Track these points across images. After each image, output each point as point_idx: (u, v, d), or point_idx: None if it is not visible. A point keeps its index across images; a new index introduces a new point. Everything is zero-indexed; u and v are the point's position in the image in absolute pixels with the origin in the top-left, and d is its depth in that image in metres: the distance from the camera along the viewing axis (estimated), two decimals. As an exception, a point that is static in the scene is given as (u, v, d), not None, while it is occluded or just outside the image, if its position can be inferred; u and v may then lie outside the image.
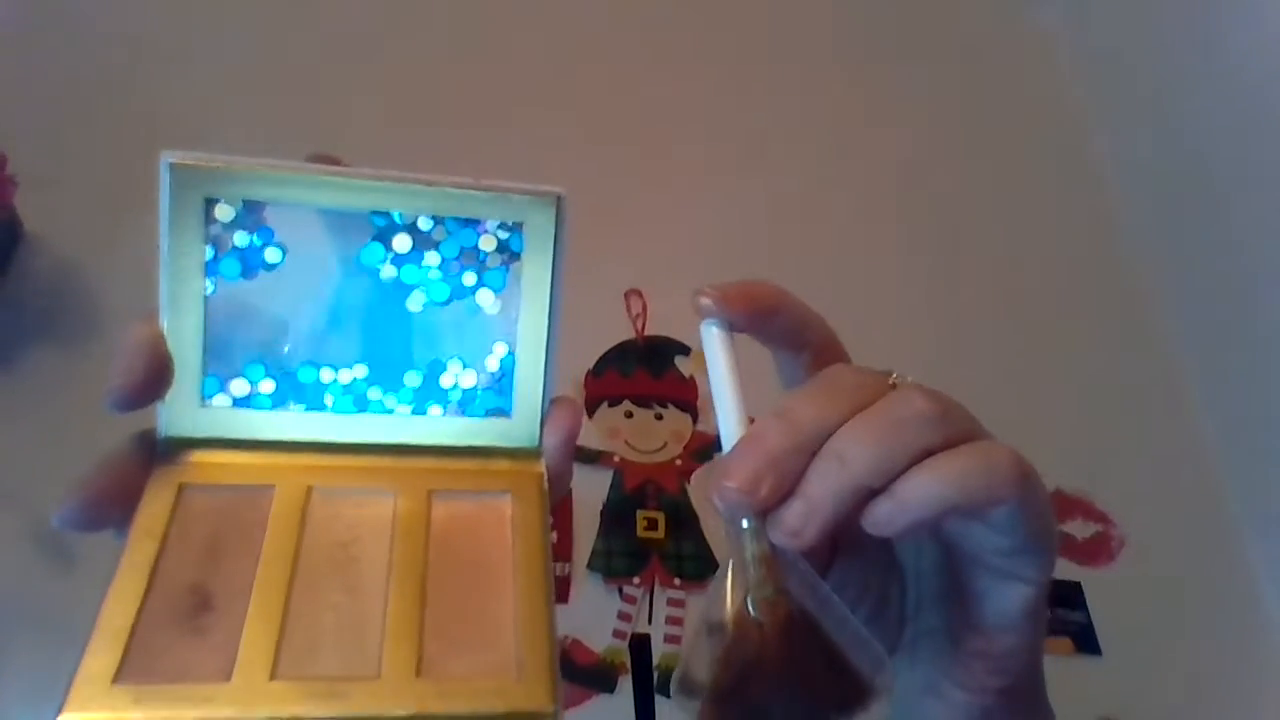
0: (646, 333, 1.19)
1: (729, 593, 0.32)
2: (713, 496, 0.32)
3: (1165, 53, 1.41)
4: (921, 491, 0.31)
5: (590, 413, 1.12)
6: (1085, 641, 1.07)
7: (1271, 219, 1.21)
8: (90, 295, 1.04)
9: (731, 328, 0.36)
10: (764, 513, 0.32)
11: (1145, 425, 1.28)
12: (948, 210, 1.40)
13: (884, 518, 0.31)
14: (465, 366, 0.34)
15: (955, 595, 0.37)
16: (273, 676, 0.27)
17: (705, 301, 0.35)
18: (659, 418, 1.13)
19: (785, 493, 0.31)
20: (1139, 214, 1.45)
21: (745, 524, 0.32)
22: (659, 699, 0.96)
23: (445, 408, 0.34)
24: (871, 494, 0.31)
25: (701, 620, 0.33)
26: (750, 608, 0.32)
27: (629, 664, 0.97)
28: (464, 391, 0.34)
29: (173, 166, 0.30)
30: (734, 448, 0.33)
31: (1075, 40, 1.60)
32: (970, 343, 1.25)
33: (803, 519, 0.31)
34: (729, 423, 0.34)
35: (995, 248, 1.39)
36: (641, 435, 1.12)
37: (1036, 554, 0.34)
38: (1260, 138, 1.23)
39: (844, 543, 0.39)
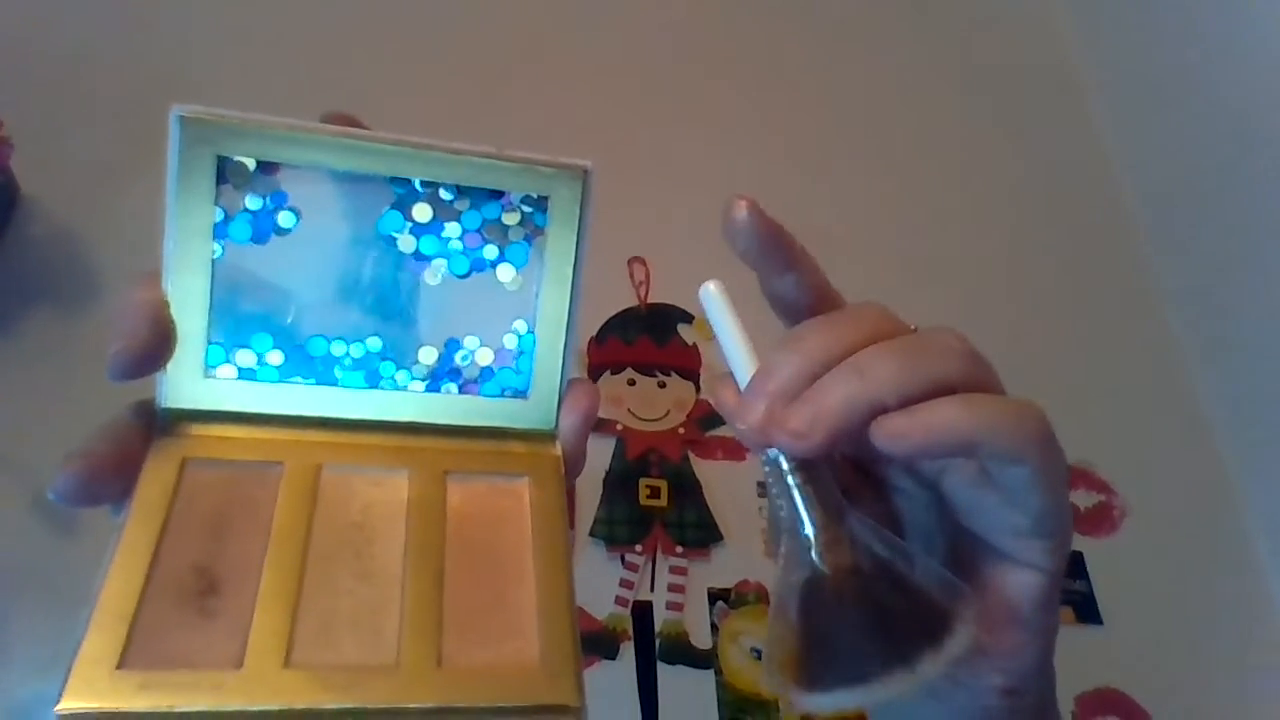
0: (650, 300, 1.18)
1: (792, 560, 0.32)
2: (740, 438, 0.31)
3: (1172, 33, 1.39)
4: (944, 416, 0.29)
5: (593, 380, 1.11)
6: (1086, 611, 1.07)
7: (1275, 190, 1.20)
8: (88, 258, 1.02)
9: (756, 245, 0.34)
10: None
11: (1147, 395, 1.27)
12: (950, 180, 1.39)
13: (896, 431, 0.29)
14: (482, 344, 0.33)
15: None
16: (286, 664, 0.25)
17: (741, 214, 0.33)
18: (662, 386, 1.12)
19: None
20: (1141, 185, 1.43)
21: (785, 464, 0.32)
22: (660, 666, 0.96)
23: (460, 386, 0.33)
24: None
25: (774, 600, 0.32)
26: (816, 558, 0.31)
27: (631, 631, 0.97)
28: (480, 369, 0.33)
29: (183, 120, 0.28)
30: (746, 386, 0.32)
31: (1079, 20, 1.58)
32: (972, 312, 1.24)
33: (809, 422, 0.29)
34: (743, 369, 0.33)
35: (997, 219, 1.38)
36: (644, 403, 1.11)
37: (1050, 537, 0.32)
38: (1266, 111, 1.22)
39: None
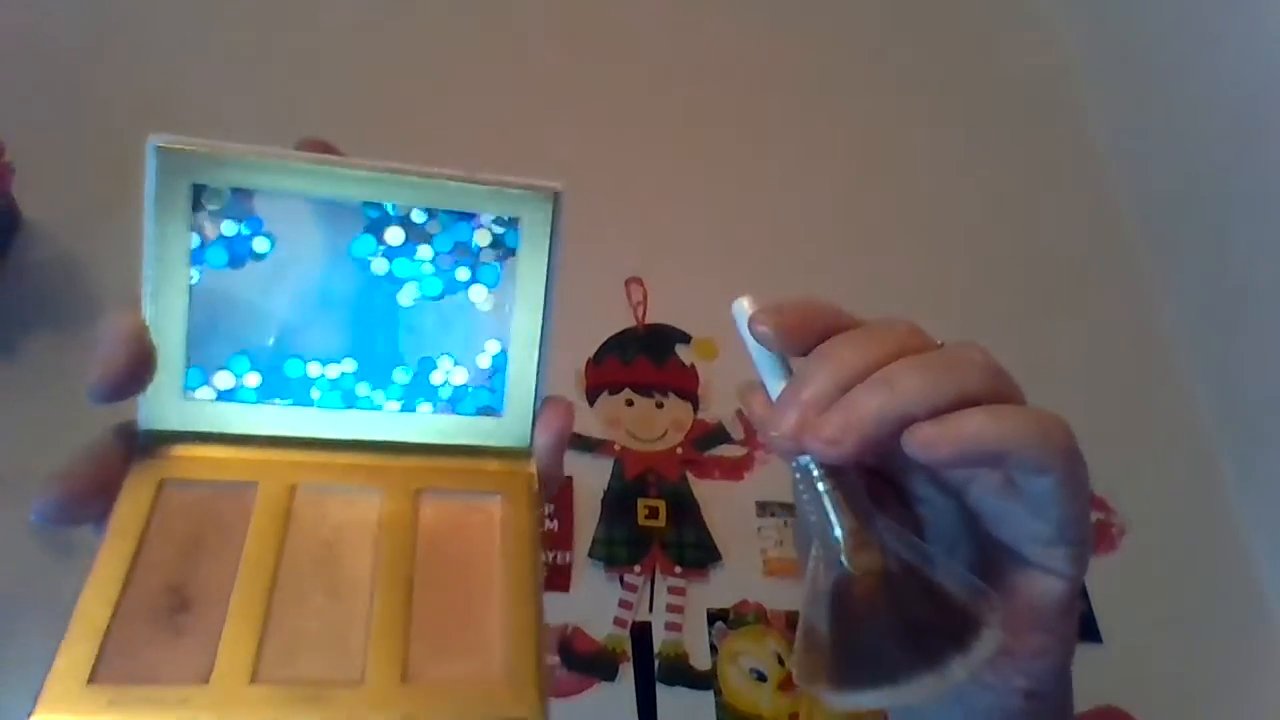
0: (647, 321, 1.18)
1: (823, 562, 0.33)
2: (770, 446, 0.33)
3: (1168, 35, 1.39)
4: (973, 427, 0.30)
5: (591, 401, 1.11)
6: (1086, 629, 1.06)
7: (1271, 200, 1.20)
8: (89, 283, 1.03)
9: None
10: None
11: (1144, 412, 1.27)
12: (945, 195, 1.39)
13: (928, 440, 0.30)
14: (456, 363, 0.33)
15: None
16: (252, 680, 0.26)
17: (764, 331, 0.34)
18: (660, 406, 1.13)
19: None
20: (1137, 198, 1.43)
21: (814, 471, 0.33)
22: (660, 687, 0.95)
23: (435, 405, 0.33)
24: None
25: (805, 601, 0.33)
26: (845, 561, 0.32)
27: (630, 652, 0.97)
28: (454, 389, 0.33)
29: (159, 150, 0.29)
30: (779, 397, 0.33)
31: (1076, 22, 1.58)
32: (966, 322, 1.24)
33: (841, 430, 0.31)
34: (776, 382, 0.34)
35: (993, 225, 1.38)
36: (642, 424, 1.11)
37: (1072, 544, 0.33)
38: (1259, 122, 1.22)
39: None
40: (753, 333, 0.34)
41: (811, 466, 0.33)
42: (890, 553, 0.32)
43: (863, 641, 0.32)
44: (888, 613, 0.32)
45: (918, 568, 0.32)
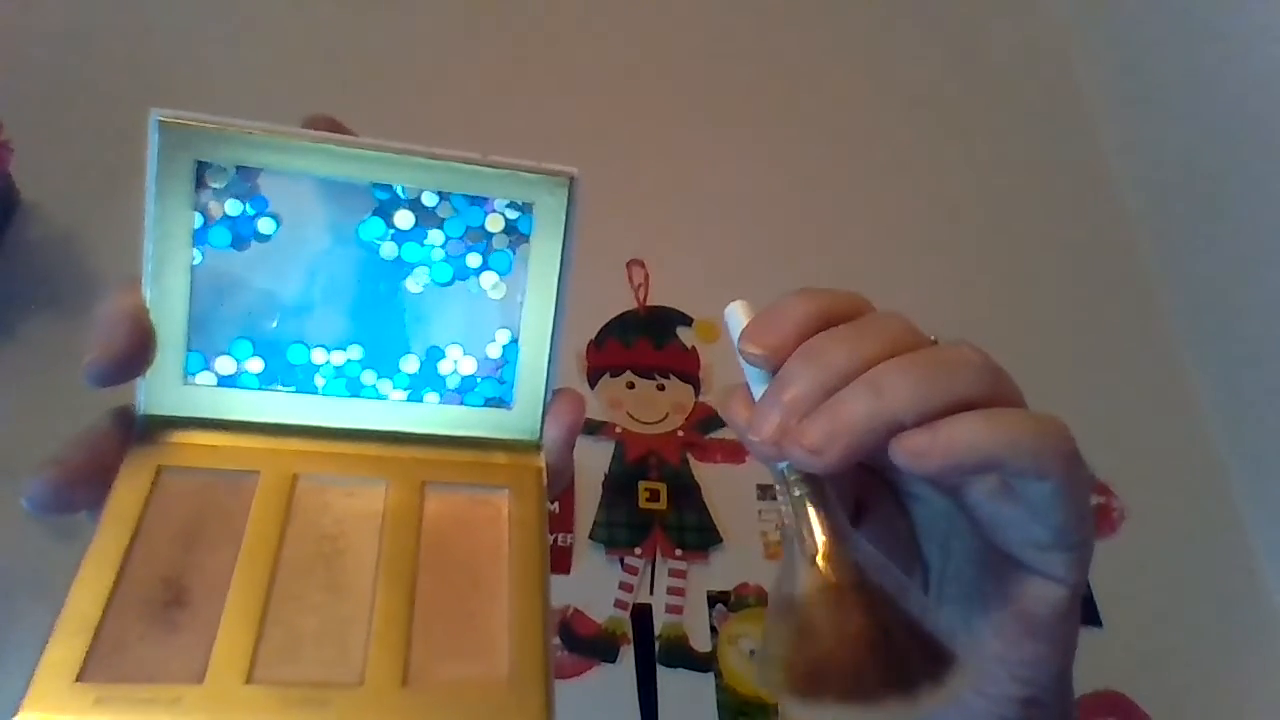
0: (648, 303, 1.17)
1: (797, 566, 0.31)
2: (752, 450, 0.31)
3: (1178, 42, 1.38)
4: (967, 434, 0.28)
5: (592, 383, 1.10)
6: (1086, 613, 1.06)
7: (1271, 194, 1.19)
8: (88, 263, 1.02)
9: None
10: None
11: (1146, 395, 1.26)
12: (946, 187, 1.38)
13: (917, 449, 0.28)
14: (465, 353, 0.32)
15: (980, 594, 0.34)
16: (248, 680, 0.25)
17: (754, 356, 0.32)
18: (661, 389, 1.12)
19: None
20: (1139, 190, 1.43)
21: (790, 476, 0.31)
22: (660, 669, 0.95)
23: (442, 395, 0.32)
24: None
25: (773, 603, 0.32)
26: (819, 570, 0.31)
27: (630, 634, 0.96)
28: (463, 379, 0.32)
29: (162, 125, 0.28)
30: (760, 399, 0.31)
31: (1086, 28, 1.57)
32: (966, 315, 1.23)
33: (826, 437, 0.29)
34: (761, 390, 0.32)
35: (996, 220, 1.37)
36: (643, 406, 1.10)
37: (1071, 550, 0.32)
38: (1262, 126, 1.21)
39: (865, 527, 0.37)
40: (744, 357, 0.32)
41: (787, 472, 0.32)
42: (863, 569, 0.31)
43: (829, 654, 0.30)
44: (857, 629, 0.30)
45: (889, 590, 0.31)
